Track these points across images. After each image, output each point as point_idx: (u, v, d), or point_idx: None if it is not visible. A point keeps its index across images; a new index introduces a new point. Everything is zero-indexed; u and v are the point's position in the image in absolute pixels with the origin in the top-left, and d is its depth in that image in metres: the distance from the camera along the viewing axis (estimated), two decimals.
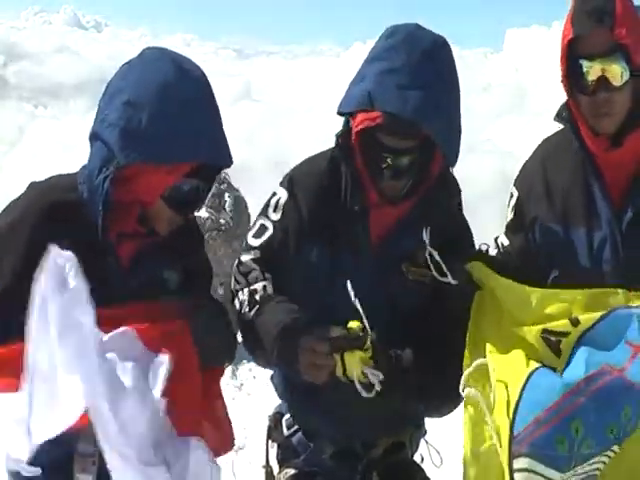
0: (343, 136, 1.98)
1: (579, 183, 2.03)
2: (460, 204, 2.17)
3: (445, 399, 2.06)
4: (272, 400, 2.36)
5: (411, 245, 2.01)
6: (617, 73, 1.92)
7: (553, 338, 1.85)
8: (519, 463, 1.71)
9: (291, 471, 2.15)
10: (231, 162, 1.79)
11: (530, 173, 2.15)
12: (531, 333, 1.86)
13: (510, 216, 2.18)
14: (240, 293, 2.05)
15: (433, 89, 1.84)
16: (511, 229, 2.18)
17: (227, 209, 11.58)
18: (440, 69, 1.89)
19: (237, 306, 2.05)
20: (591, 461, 1.73)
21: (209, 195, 1.83)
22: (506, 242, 2.18)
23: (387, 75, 1.84)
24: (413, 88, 1.81)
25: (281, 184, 2.12)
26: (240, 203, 11.66)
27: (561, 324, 1.85)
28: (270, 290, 2.04)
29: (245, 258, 2.11)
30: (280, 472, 2.19)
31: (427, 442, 2.28)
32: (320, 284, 2.04)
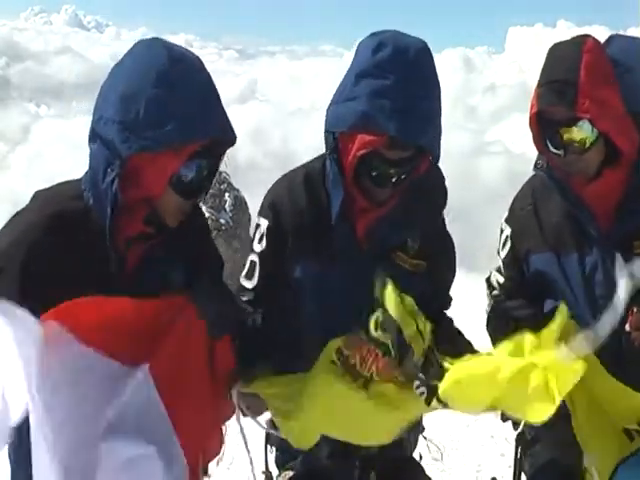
0: (332, 154, 2.00)
1: (567, 215, 2.09)
2: (441, 214, 2.20)
3: None
4: None
5: (399, 238, 2.06)
6: (581, 141, 1.96)
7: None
8: None
9: (289, 473, 2.15)
10: (234, 137, 1.77)
11: (521, 209, 2.23)
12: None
13: (504, 253, 2.25)
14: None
15: (424, 104, 1.92)
16: (506, 264, 2.25)
17: (227, 209, 11.56)
18: (426, 79, 1.94)
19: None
20: None
21: (215, 177, 1.80)
22: (501, 280, 2.26)
23: (381, 96, 1.89)
24: (408, 109, 1.88)
25: (260, 213, 2.13)
26: (240, 203, 11.64)
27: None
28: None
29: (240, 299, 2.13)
30: (279, 475, 2.19)
31: (425, 438, 2.29)
32: (312, 295, 2.05)
